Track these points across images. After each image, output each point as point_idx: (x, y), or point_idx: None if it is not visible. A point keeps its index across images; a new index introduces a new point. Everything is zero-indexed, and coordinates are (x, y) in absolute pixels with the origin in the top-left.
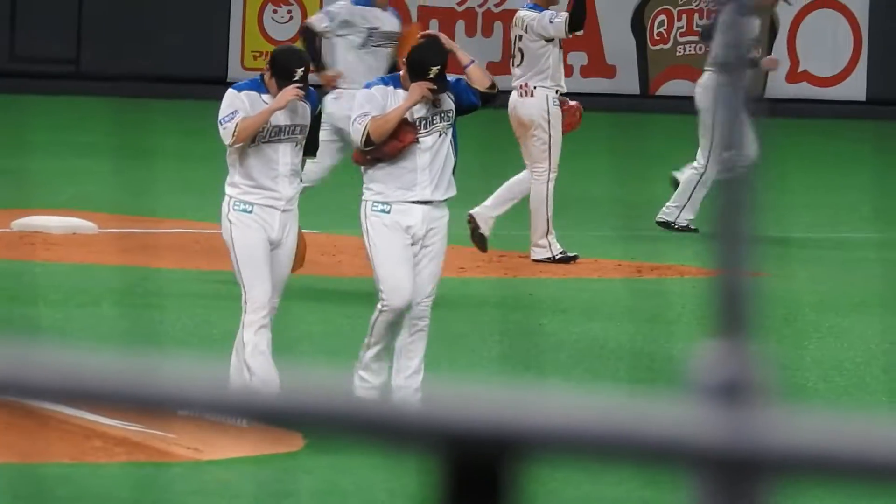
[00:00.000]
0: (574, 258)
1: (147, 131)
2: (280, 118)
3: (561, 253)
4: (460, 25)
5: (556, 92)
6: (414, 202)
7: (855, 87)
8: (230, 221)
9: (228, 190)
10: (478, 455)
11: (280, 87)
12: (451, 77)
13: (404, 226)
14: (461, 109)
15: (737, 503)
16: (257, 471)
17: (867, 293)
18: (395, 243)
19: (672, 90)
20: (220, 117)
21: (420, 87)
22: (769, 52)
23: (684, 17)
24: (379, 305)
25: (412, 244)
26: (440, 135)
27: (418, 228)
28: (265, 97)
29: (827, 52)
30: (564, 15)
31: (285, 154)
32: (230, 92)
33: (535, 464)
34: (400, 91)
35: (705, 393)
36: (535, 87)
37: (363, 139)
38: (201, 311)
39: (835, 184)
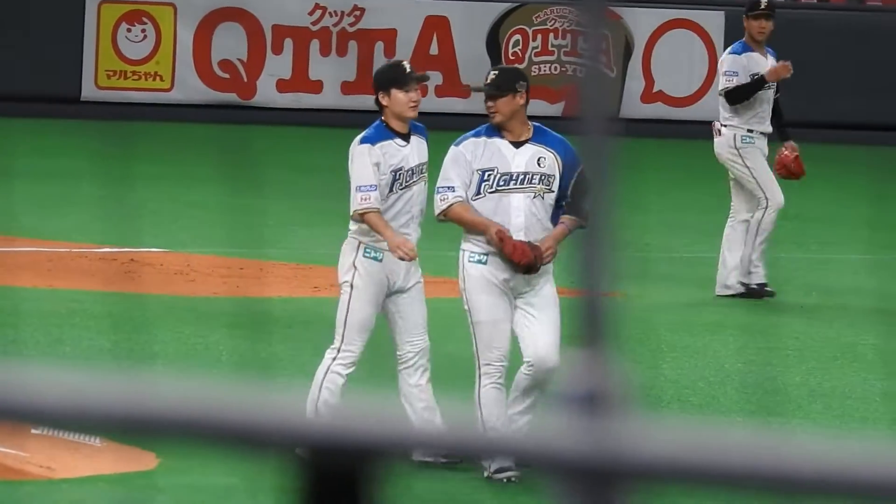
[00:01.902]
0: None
1: (0, 151)
2: (412, 160)
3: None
4: (315, 45)
5: (749, 131)
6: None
7: (709, 108)
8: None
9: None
10: (337, 462)
11: (398, 96)
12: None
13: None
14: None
15: None
16: (111, 489)
17: (722, 313)
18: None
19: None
20: (358, 184)
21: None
22: (624, 70)
23: (539, 36)
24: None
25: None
26: (535, 196)
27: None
28: (397, 141)
29: (682, 73)
30: (733, 83)
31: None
32: (362, 148)
33: (394, 469)
34: (496, 139)
35: (568, 404)
36: (721, 126)
37: (440, 215)
38: (55, 330)
39: (690, 204)
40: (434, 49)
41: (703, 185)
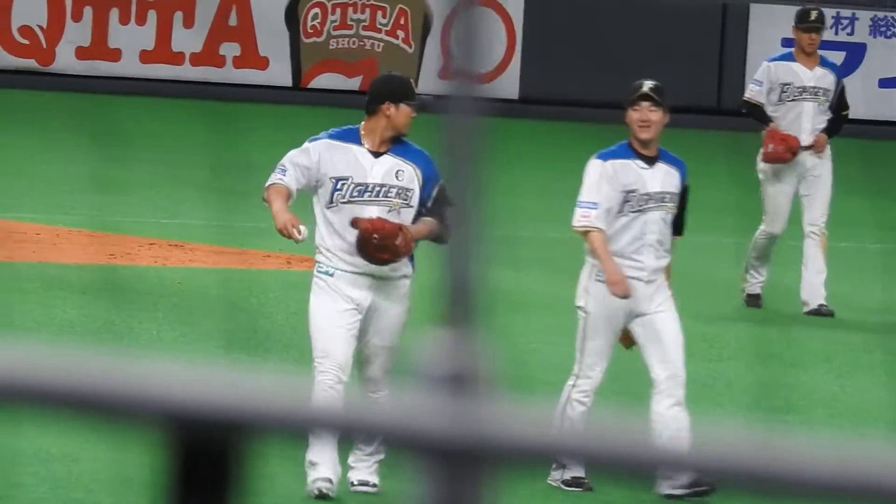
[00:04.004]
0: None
1: None
2: (654, 186)
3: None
4: (114, 13)
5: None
6: (355, 273)
7: (506, 86)
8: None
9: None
10: (205, 436)
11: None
12: (428, 170)
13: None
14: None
15: (460, 491)
16: None
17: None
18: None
19: (324, 83)
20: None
21: (286, 223)
22: (422, 46)
23: (338, 10)
24: None
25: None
26: (389, 210)
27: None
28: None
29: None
30: (750, 94)
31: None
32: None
33: (262, 444)
34: (352, 146)
35: (432, 382)
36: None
37: (265, 193)
38: None
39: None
40: (233, 20)
41: (505, 165)
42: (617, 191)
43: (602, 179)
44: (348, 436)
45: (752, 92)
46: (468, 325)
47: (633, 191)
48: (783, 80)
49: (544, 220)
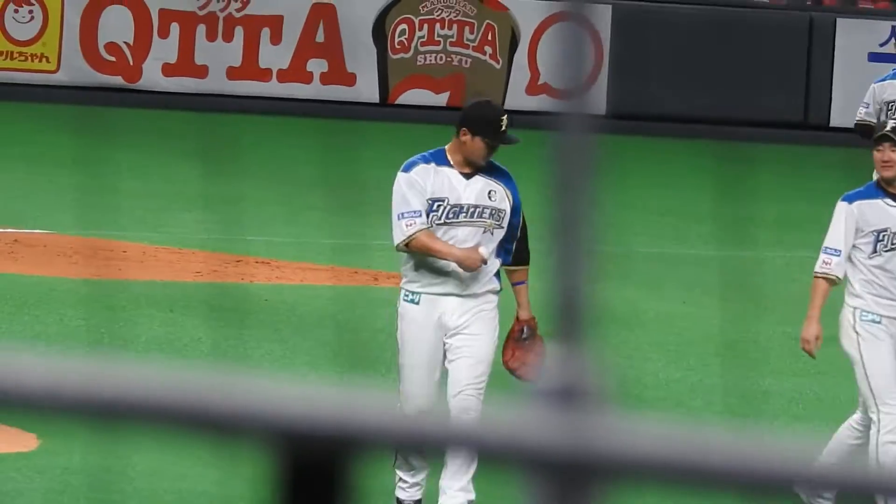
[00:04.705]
0: None
1: None
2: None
3: None
4: (201, 30)
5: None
6: (442, 294)
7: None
8: (857, 333)
9: (850, 301)
10: (313, 452)
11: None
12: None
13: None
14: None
15: None
16: None
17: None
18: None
19: (411, 99)
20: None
21: (472, 256)
22: (510, 62)
23: (425, 26)
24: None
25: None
26: (484, 230)
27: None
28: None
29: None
30: (860, 115)
31: None
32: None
33: (369, 461)
34: (444, 169)
35: (544, 397)
36: None
37: (402, 244)
38: None
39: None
40: (320, 36)
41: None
42: (866, 231)
43: (848, 224)
44: (457, 451)
45: (861, 114)
46: (578, 340)
47: (884, 230)
48: (889, 98)
49: (636, 234)
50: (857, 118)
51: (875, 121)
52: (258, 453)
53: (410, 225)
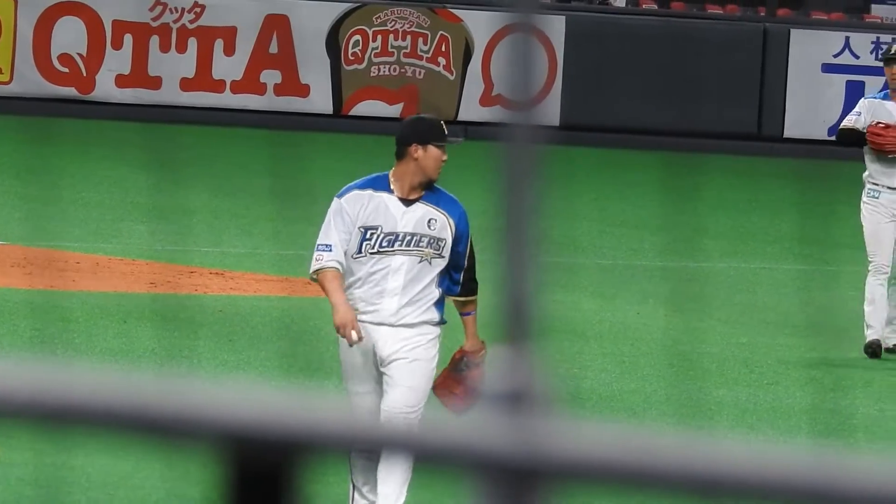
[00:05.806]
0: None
1: None
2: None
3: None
4: (154, 41)
5: (874, 184)
6: (374, 323)
7: (546, 113)
8: None
9: None
10: (262, 456)
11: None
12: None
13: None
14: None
15: None
16: None
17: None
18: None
19: (365, 110)
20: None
21: (346, 325)
22: (464, 73)
23: (379, 37)
24: None
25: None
26: (420, 260)
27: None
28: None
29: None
30: (849, 122)
31: None
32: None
33: (316, 465)
34: (382, 195)
35: (491, 400)
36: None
37: (311, 276)
38: None
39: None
40: (274, 48)
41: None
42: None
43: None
44: (404, 455)
45: (849, 121)
46: (525, 345)
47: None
48: (877, 117)
49: (589, 245)
50: (843, 125)
51: (861, 127)
52: (208, 458)
53: (318, 259)
